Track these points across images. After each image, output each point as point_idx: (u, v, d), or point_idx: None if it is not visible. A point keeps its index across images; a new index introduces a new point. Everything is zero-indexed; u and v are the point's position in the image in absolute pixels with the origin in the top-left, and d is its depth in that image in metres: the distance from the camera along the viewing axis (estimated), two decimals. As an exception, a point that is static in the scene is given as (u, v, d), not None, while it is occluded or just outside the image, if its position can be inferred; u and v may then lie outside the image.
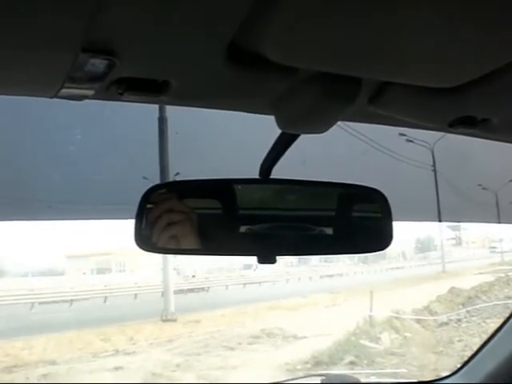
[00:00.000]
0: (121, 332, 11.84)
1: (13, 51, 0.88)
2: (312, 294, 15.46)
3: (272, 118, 1.22)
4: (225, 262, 18.90)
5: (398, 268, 20.93)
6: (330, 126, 1.19)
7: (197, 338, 11.81)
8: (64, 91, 1.00)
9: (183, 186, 1.51)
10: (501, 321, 2.33)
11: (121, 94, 1.02)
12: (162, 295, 14.09)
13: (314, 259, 19.98)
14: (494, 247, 22.20)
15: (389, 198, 1.45)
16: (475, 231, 22.54)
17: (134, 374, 9.92)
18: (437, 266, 19.69)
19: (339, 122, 1.21)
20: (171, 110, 9.94)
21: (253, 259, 1.33)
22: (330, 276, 19.65)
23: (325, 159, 8.92)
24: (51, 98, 1.03)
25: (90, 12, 0.79)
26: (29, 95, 1.05)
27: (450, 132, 1.35)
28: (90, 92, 1.02)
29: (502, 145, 1.50)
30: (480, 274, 16.85)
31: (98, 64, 0.91)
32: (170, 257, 12.82)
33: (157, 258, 14.28)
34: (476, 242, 23.01)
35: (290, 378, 9.71)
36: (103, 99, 1.07)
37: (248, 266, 19.08)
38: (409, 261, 21.91)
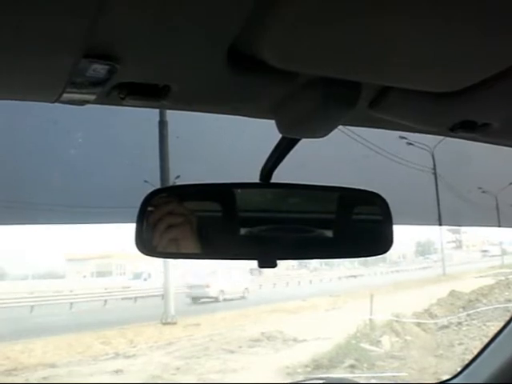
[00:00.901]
0: (121, 335, 11.84)
1: (14, 56, 0.88)
2: (312, 298, 15.47)
3: (272, 122, 1.22)
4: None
5: (397, 271, 20.92)
6: (331, 130, 1.19)
7: (197, 341, 11.80)
8: (65, 96, 1.00)
9: (184, 190, 1.51)
10: (501, 324, 2.33)
11: (122, 99, 1.02)
12: (162, 298, 14.09)
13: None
14: (486, 250, 22.21)
15: (389, 202, 1.45)
16: (475, 234, 22.53)
17: (134, 377, 9.91)
18: (437, 269, 19.69)
19: (339, 126, 1.21)
20: (171, 114, 9.95)
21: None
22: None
23: (325, 163, 8.92)
24: (53, 102, 1.03)
25: (91, 17, 0.79)
26: (30, 100, 1.05)
27: (451, 136, 1.35)
28: (92, 97, 1.02)
29: (501, 148, 1.51)
30: (480, 277, 16.84)
31: (99, 69, 0.92)
32: (170, 260, 12.82)
33: (156, 261, 14.28)
34: (476, 245, 23.00)
35: (291, 381, 9.72)
36: (105, 104, 1.08)
37: (137, 276, 16.20)
38: (409, 264, 21.89)
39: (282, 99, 1.13)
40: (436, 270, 19.80)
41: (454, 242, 22.45)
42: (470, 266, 19.72)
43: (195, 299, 13.57)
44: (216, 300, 13.39)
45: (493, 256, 21.19)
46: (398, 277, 19.41)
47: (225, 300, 13.59)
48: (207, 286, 13.09)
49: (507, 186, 12.69)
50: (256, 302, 13.70)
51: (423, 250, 23.18)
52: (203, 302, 13.41)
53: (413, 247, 22.58)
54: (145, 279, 16.21)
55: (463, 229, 21.51)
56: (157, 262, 14.25)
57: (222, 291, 13.38)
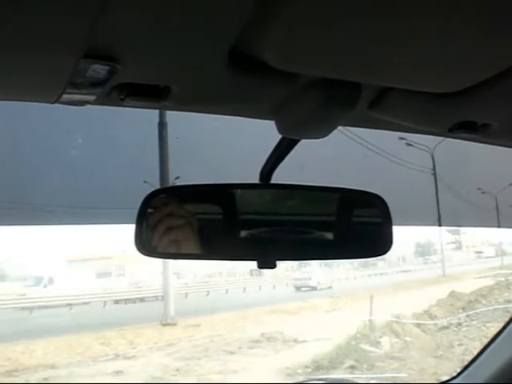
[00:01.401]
0: (121, 336, 11.83)
1: (14, 57, 0.88)
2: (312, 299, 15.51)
3: (272, 122, 1.22)
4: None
5: (397, 272, 20.96)
6: (331, 131, 1.19)
7: (197, 341, 11.79)
8: (65, 97, 1.00)
9: (184, 190, 1.51)
10: (501, 325, 2.33)
11: (122, 100, 1.02)
12: (162, 299, 14.09)
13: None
14: (481, 252, 22.28)
15: (388, 202, 1.45)
16: (474, 235, 22.52)
17: (134, 378, 9.91)
18: (437, 270, 19.72)
19: (339, 127, 1.21)
20: (171, 115, 9.95)
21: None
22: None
23: (325, 164, 8.92)
24: (53, 103, 1.03)
25: (92, 18, 0.79)
26: (30, 101, 1.05)
27: (451, 137, 1.35)
28: (92, 97, 1.02)
29: (501, 148, 1.51)
30: (480, 277, 16.85)
31: (99, 70, 0.92)
32: (171, 261, 12.81)
33: (157, 262, 14.27)
34: (476, 246, 23.00)
35: (291, 382, 9.72)
36: (105, 105, 1.07)
37: (38, 281, 14.88)
38: (408, 265, 21.91)
39: (282, 100, 1.13)
40: (417, 273, 19.86)
41: (453, 242, 22.44)
42: (469, 267, 19.74)
43: (298, 288, 16.96)
44: (314, 289, 16.77)
45: (487, 257, 21.31)
46: (397, 278, 19.43)
47: (320, 289, 16.84)
48: (309, 278, 16.84)
49: (507, 186, 12.68)
50: (339, 290, 16.71)
51: (423, 250, 23.18)
52: (304, 290, 16.79)
53: (412, 248, 22.58)
54: (44, 286, 14.99)
55: (462, 230, 21.53)
56: (156, 262, 14.30)
57: (319, 282, 16.97)
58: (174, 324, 12.97)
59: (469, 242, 22.88)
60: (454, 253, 22.12)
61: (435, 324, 12.68)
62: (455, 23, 0.85)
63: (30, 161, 9.78)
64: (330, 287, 17.05)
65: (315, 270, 17.11)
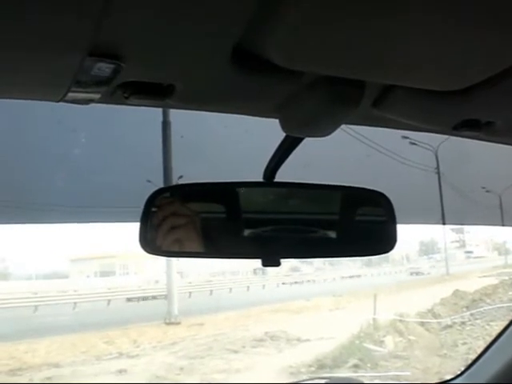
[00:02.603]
0: (124, 335, 11.84)
1: (19, 55, 0.89)
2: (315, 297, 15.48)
3: (276, 121, 1.22)
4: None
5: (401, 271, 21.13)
6: (334, 129, 1.19)
7: (200, 340, 11.80)
8: (70, 95, 1.00)
9: (187, 189, 1.52)
10: (505, 323, 2.32)
11: (126, 98, 1.02)
12: (166, 298, 14.10)
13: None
14: (470, 251, 22.41)
15: (392, 201, 1.45)
16: (479, 234, 22.50)
17: (138, 377, 9.92)
18: (441, 269, 19.76)
19: (343, 125, 1.21)
20: (175, 114, 9.95)
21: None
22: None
23: (329, 162, 8.91)
24: (57, 101, 1.03)
25: (97, 16, 0.79)
26: (35, 99, 1.05)
27: (454, 135, 1.35)
28: (96, 96, 1.02)
29: (505, 147, 1.50)
30: (484, 276, 16.84)
31: (104, 68, 0.92)
32: (174, 260, 12.82)
33: (160, 260, 14.28)
34: (480, 245, 22.95)
35: (294, 380, 9.72)
36: (109, 103, 1.08)
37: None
38: (412, 263, 21.98)
39: (286, 98, 1.13)
40: (440, 269, 19.94)
41: (457, 241, 22.43)
42: (472, 266, 19.75)
43: (411, 273, 20.76)
44: (422, 274, 20.82)
45: (476, 258, 21.54)
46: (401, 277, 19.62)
47: (424, 274, 20.65)
48: (421, 267, 21.27)
49: (511, 185, 12.65)
50: (437, 274, 19.95)
51: (426, 249, 23.22)
52: (414, 275, 20.48)
53: (416, 246, 22.66)
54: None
55: (466, 228, 21.56)
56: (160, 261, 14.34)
57: (424, 269, 21.22)
58: (178, 323, 12.97)
59: (472, 241, 22.84)
60: (457, 251, 22.15)
61: (439, 323, 12.67)
62: (457, 21, 0.85)
63: (32, 160, 9.80)
64: (429, 273, 20.84)
65: (422, 260, 22.31)
